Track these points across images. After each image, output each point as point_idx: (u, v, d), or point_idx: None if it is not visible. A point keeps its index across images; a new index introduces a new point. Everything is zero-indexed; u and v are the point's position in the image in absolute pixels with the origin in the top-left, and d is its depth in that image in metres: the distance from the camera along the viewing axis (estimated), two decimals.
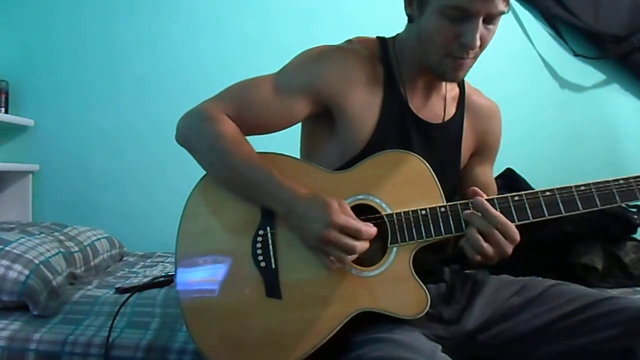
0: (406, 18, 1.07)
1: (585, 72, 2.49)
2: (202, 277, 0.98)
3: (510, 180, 1.97)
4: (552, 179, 2.14)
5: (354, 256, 0.91)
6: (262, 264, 0.95)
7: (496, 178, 1.97)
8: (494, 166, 1.25)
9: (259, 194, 0.96)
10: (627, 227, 1.69)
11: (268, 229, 0.97)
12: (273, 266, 0.95)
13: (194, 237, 1.00)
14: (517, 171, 2.00)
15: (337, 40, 1.11)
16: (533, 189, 2.00)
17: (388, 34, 1.13)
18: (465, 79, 1.17)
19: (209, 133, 0.99)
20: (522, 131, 2.40)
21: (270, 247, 0.96)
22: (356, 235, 0.89)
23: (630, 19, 2.39)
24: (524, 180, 1.98)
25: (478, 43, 0.94)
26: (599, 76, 2.50)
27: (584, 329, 0.96)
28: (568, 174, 2.39)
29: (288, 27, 2.48)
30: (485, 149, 1.19)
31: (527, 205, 0.94)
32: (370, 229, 0.91)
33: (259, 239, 0.97)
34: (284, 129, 1.06)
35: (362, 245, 0.90)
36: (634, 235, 1.76)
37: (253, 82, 1.05)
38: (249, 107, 1.03)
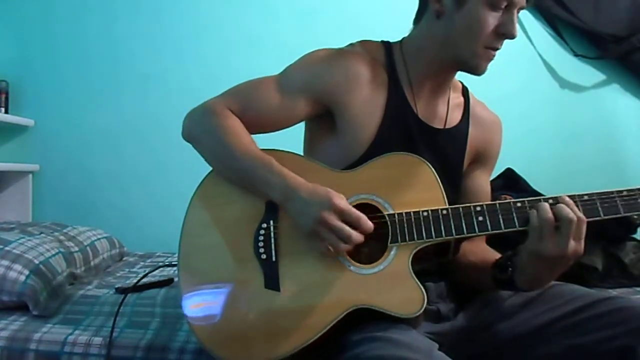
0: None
1: (585, 72, 2.49)
2: (203, 265, 1.00)
3: (510, 180, 1.96)
4: (552, 178, 2.16)
5: (349, 247, 0.91)
6: (263, 256, 0.97)
7: (496, 178, 1.98)
8: (490, 175, 1.25)
9: (256, 182, 0.98)
10: (627, 228, 1.69)
11: (271, 222, 0.98)
12: (273, 259, 0.97)
13: (199, 227, 1.02)
14: (517, 171, 2.00)
15: (340, 39, 1.13)
16: (533, 188, 2.00)
17: (390, 32, 1.14)
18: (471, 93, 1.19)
19: (212, 125, 1.03)
20: (522, 131, 2.40)
21: (272, 240, 0.97)
22: (355, 223, 0.90)
23: (630, 19, 2.39)
24: (524, 180, 1.97)
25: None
26: (599, 76, 2.50)
27: (584, 329, 0.96)
28: (568, 173, 2.40)
29: (290, 27, 2.48)
30: (486, 158, 1.19)
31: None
32: (369, 223, 0.92)
33: (262, 232, 0.98)
34: (285, 128, 1.08)
35: (358, 237, 0.90)
36: (634, 236, 1.76)
37: (257, 81, 1.08)
38: (251, 104, 1.06)
